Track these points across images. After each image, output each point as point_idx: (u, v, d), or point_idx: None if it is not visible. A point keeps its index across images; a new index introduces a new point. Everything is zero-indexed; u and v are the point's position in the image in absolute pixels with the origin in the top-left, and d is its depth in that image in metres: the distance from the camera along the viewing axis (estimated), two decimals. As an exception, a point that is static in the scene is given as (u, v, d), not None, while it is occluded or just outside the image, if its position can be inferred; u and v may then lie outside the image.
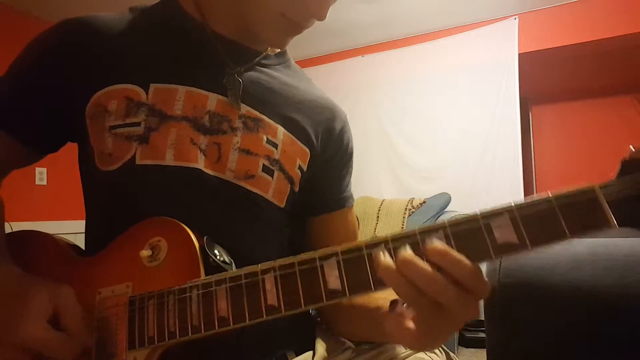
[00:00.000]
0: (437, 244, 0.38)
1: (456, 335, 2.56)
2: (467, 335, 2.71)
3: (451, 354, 0.64)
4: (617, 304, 0.70)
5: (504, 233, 0.38)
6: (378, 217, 2.97)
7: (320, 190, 0.68)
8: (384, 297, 0.50)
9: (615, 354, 0.72)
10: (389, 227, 2.90)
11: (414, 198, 2.96)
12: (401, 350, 0.62)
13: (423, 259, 0.38)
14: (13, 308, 0.47)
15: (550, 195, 0.38)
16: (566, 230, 0.37)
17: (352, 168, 0.74)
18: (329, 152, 0.69)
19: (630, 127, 3.41)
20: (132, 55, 0.60)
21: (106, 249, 0.55)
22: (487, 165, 3.11)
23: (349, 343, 0.67)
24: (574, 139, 3.77)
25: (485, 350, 0.93)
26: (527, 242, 0.38)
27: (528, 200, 0.39)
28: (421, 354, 0.60)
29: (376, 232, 2.91)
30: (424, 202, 2.91)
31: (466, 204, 2.96)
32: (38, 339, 0.45)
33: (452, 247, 0.39)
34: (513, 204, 0.39)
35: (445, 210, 2.86)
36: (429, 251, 0.38)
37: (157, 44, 0.61)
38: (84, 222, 0.64)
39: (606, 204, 0.37)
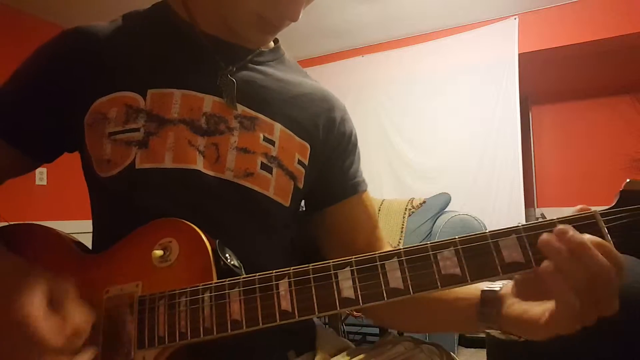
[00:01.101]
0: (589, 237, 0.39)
1: (456, 335, 2.56)
2: (467, 335, 2.70)
3: (451, 354, 0.64)
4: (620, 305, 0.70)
5: (511, 252, 0.41)
6: (378, 217, 2.97)
7: (331, 180, 0.69)
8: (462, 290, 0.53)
9: (615, 354, 0.72)
10: (389, 227, 2.89)
11: (414, 198, 2.96)
12: (401, 350, 0.62)
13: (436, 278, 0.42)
14: (12, 291, 0.45)
15: (555, 219, 0.41)
16: None
17: (359, 156, 0.75)
18: (332, 142, 0.69)
19: (630, 127, 3.40)
20: (129, 62, 0.60)
21: (113, 247, 0.54)
22: (487, 165, 3.11)
23: (349, 343, 0.67)
24: (574, 139, 3.77)
25: (485, 350, 0.92)
26: (533, 262, 0.40)
27: (534, 223, 0.41)
28: (421, 355, 0.60)
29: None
30: (424, 202, 2.91)
31: (466, 204, 2.96)
32: (33, 317, 0.43)
33: (462, 263, 0.41)
34: (520, 225, 0.41)
35: (445, 210, 2.86)
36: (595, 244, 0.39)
37: (152, 49, 0.62)
38: (84, 222, 0.65)
39: (606, 230, 0.39)
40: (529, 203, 3.52)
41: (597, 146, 3.63)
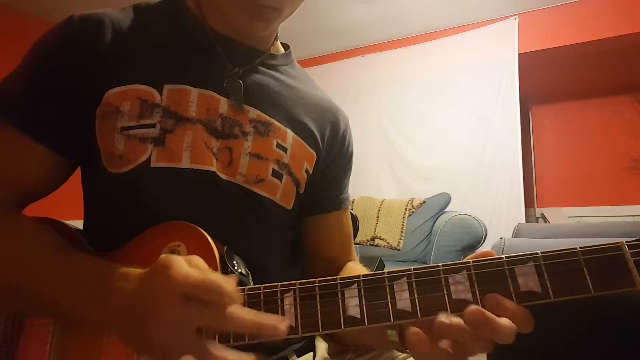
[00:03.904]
0: (509, 304, 0.38)
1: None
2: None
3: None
4: (618, 305, 0.70)
5: (527, 281, 0.39)
6: (378, 217, 2.97)
7: (319, 191, 0.68)
8: None
9: (614, 354, 0.72)
10: (389, 227, 2.89)
11: (414, 198, 2.96)
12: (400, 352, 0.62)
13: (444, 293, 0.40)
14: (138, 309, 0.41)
15: (578, 248, 0.38)
16: (590, 287, 0.37)
17: (351, 170, 0.74)
18: (332, 154, 0.69)
19: (630, 127, 3.40)
20: (142, 55, 0.58)
21: (122, 249, 0.53)
22: (487, 165, 3.11)
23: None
24: (574, 139, 3.76)
25: (485, 350, 0.92)
26: (550, 292, 0.38)
27: (555, 251, 0.39)
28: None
29: (376, 232, 2.91)
30: (424, 202, 2.91)
31: (466, 204, 2.96)
32: (192, 283, 0.38)
33: (474, 288, 0.39)
34: (540, 253, 0.39)
35: (445, 210, 2.86)
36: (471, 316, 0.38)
37: (164, 44, 0.60)
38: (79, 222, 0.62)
39: (633, 264, 0.37)
40: (529, 203, 3.52)
41: (597, 146, 3.62)
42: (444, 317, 0.38)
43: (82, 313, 0.45)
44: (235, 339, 0.42)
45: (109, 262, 0.47)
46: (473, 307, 0.38)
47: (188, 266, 0.40)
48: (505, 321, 0.37)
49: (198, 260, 0.42)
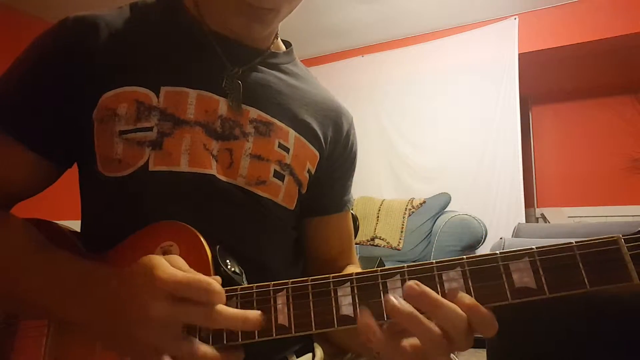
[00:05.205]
0: (466, 298, 0.38)
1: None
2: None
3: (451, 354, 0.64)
4: (617, 305, 0.70)
5: (522, 277, 0.38)
6: (378, 217, 2.97)
7: (322, 192, 0.67)
8: None
9: (613, 354, 0.72)
10: (389, 227, 2.89)
11: (414, 198, 2.97)
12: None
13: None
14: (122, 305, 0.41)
15: (574, 243, 0.38)
16: (586, 282, 0.37)
17: (354, 171, 0.73)
18: (335, 154, 0.68)
19: (630, 127, 3.40)
20: (138, 56, 0.57)
21: (116, 248, 0.53)
22: (487, 165, 3.11)
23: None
24: (574, 139, 3.76)
25: (485, 350, 0.93)
26: (545, 288, 0.38)
27: (550, 246, 0.38)
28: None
29: (376, 232, 2.91)
30: (424, 202, 2.91)
31: (466, 204, 2.96)
32: (174, 284, 0.39)
33: (468, 285, 0.39)
34: (535, 248, 0.39)
35: (446, 210, 2.86)
36: (458, 301, 0.38)
37: (162, 44, 0.59)
38: (75, 222, 0.62)
39: (630, 259, 0.36)
40: (529, 203, 3.52)
41: (597, 146, 3.62)
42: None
43: (60, 312, 0.45)
44: (229, 339, 0.42)
45: (90, 262, 0.47)
46: (411, 281, 0.38)
47: (171, 266, 0.40)
48: (449, 303, 0.37)
49: (179, 260, 0.43)
